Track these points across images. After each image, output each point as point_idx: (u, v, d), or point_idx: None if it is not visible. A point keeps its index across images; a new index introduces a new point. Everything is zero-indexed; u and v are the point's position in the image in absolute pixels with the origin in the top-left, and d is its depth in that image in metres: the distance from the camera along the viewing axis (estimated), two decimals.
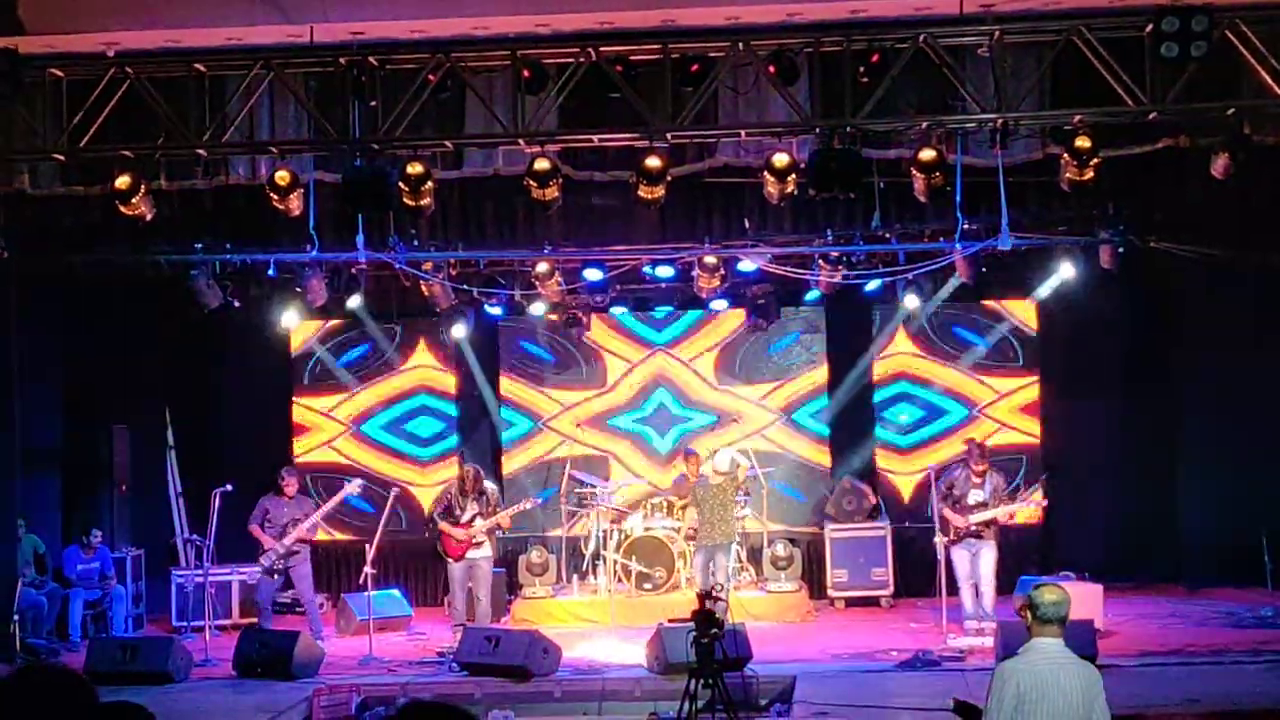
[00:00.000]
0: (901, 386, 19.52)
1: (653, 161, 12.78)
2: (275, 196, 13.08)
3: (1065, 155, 12.61)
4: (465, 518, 16.08)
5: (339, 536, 18.95)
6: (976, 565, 15.63)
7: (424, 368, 20.04)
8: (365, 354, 20.00)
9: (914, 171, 12.82)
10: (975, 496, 15.69)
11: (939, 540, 15.59)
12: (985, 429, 18.89)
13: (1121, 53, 12.11)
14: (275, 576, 16.42)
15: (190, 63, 12.66)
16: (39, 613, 16.20)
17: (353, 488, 16.87)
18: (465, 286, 17.40)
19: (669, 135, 12.73)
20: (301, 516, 16.22)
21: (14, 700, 3.66)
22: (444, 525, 16.19)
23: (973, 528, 15.60)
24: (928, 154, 12.67)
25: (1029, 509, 17.00)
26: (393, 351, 19.90)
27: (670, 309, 19.63)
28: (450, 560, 16.19)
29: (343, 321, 19.54)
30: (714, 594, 12.17)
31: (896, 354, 19.50)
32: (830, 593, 18.35)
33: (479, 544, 16.12)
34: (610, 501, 18.30)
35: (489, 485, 16.65)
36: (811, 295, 18.46)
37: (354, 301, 17.99)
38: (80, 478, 18.08)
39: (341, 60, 12.47)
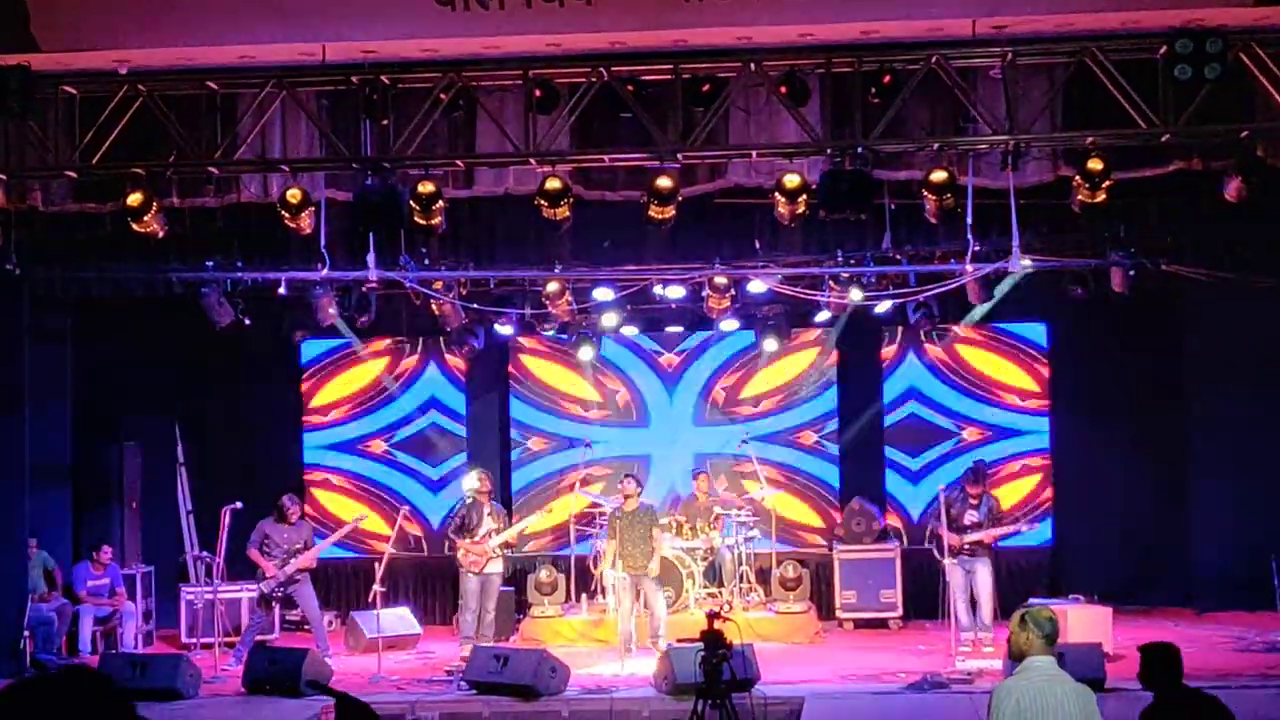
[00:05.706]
0: (912, 408, 19.50)
1: (663, 181, 12.78)
2: (286, 215, 13.09)
3: (1077, 177, 12.58)
4: (481, 532, 16.20)
5: (347, 555, 18.90)
6: (972, 581, 16.15)
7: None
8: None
9: (925, 193, 12.82)
10: (970, 517, 16.22)
11: (945, 561, 15.78)
12: (994, 452, 18.91)
13: (1134, 75, 12.07)
14: (273, 605, 16.47)
15: (202, 80, 12.67)
16: (49, 629, 16.20)
17: (359, 520, 16.83)
18: (476, 305, 17.41)
19: (680, 155, 12.73)
20: (302, 544, 16.25)
21: (60, 698, 3.62)
22: (462, 543, 16.26)
23: (966, 546, 16.08)
24: (939, 175, 12.66)
25: (1023, 531, 17.09)
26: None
27: (681, 329, 19.61)
28: (470, 574, 16.26)
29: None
30: (722, 614, 12.15)
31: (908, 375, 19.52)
32: (839, 614, 18.34)
33: (494, 558, 16.28)
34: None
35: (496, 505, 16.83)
36: (822, 316, 18.43)
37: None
38: (90, 494, 18.09)
39: (353, 79, 12.49)
